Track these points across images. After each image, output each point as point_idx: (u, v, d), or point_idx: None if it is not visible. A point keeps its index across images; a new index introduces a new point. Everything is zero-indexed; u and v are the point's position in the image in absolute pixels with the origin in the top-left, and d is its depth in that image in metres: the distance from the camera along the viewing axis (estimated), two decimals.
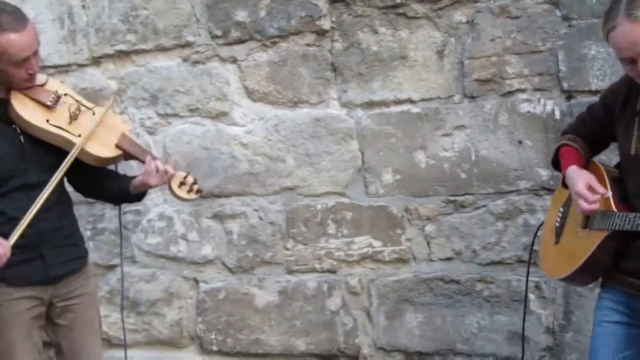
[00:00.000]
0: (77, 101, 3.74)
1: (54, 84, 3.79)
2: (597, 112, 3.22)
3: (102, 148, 3.69)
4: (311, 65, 4.68)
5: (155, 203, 5.05)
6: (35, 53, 3.57)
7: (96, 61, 5.11)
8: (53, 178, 3.54)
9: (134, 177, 3.81)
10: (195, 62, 4.92)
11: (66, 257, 3.77)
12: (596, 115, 3.23)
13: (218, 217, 4.94)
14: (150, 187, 3.73)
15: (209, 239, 4.97)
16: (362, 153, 4.63)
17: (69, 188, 3.96)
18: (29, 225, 3.51)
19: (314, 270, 4.77)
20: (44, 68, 4.99)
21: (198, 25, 4.89)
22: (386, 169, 4.58)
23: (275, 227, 4.82)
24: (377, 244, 4.63)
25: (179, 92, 4.95)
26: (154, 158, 3.68)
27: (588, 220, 3.11)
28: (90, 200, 4.82)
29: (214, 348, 5.01)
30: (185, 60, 4.94)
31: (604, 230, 2.99)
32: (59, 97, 3.69)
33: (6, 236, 3.44)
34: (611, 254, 3.04)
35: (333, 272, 4.73)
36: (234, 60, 4.84)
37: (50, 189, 3.52)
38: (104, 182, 3.88)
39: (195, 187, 3.75)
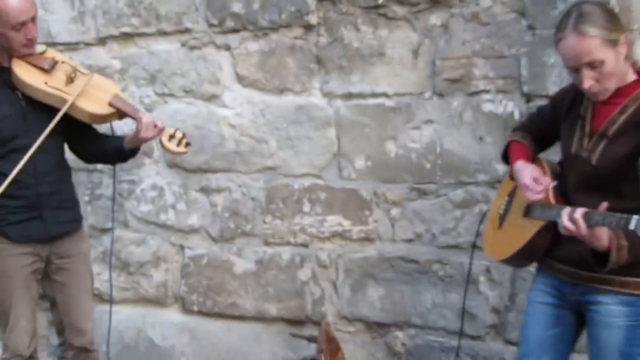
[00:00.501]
0: (73, 67, 3.81)
1: (52, 52, 3.88)
2: (546, 113, 3.31)
3: (96, 105, 3.76)
4: (297, 57, 4.71)
5: (149, 174, 5.10)
6: (33, 20, 3.64)
7: (102, 41, 5.14)
8: (47, 128, 3.62)
9: (126, 135, 3.90)
10: (192, 47, 4.95)
11: (63, 218, 3.87)
12: (545, 116, 3.31)
13: (205, 190, 4.99)
14: (143, 139, 3.77)
15: (195, 210, 5.02)
16: (338, 139, 4.67)
17: (70, 157, 4.03)
18: (29, 187, 3.64)
19: (288, 243, 4.82)
20: (54, 44, 5.03)
21: (197, 14, 4.91)
22: (359, 156, 4.62)
23: (256, 203, 4.87)
24: (346, 223, 4.68)
25: (176, 74, 4.99)
26: (145, 115, 3.75)
27: (528, 209, 3.18)
28: (90, 167, 4.94)
29: (195, 308, 5.07)
30: (183, 45, 4.97)
31: (542, 220, 3.07)
32: (56, 63, 3.78)
33: (7, 196, 3.56)
34: (546, 241, 3.12)
35: (305, 246, 4.78)
36: (228, 48, 4.87)
37: (43, 137, 3.60)
38: (101, 143, 3.97)
39: (184, 141, 3.79)
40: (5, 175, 3.57)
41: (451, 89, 4.41)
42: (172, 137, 3.78)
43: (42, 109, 3.73)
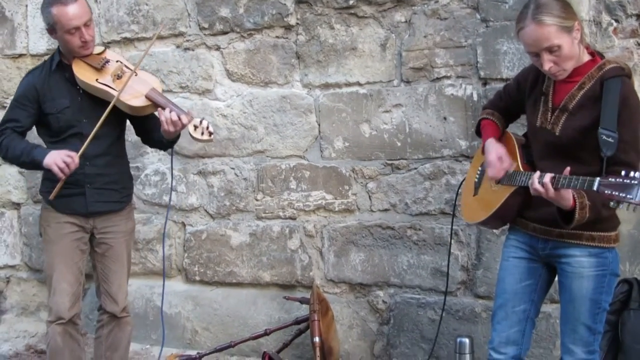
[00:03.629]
0: (123, 64, 3.74)
1: (109, 53, 3.81)
2: (512, 90, 3.21)
3: (134, 99, 3.64)
4: (279, 53, 4.57)
5: (152, 161, 4.92)
6: (86, 24, 3.57)
7: (106, 46, 4.82)
8: (99, 122, 3.56)
9: None
10: (186, 49, 4.79)
11: (106, 198, 3.76)
12: (510, 93, 3.22)
13: (202, 173, 4.81)
14: (169, 133, 3.59)
15: (194, 191, 4.84)
16: (319, 124, 4.52)
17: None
18: (78, 167, 3.54)
19: (278, 217, 4.65)
20: None
21: (189, 19, 4.76)
22: (337, 138, 4.47)
23: (248, 182, 4.69)
24: (329, 197, 4.51)
25: (173, 73, 4.82)
26: (172, 110, 3.55)
27: (501, 177, 3.06)
28: None
29: (197, 278, 4.88)
30: (178, 47, 4.82)
31: (513, 186, 2.99)
32: (107, 62, 3.70)
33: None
34: (518, 204, 3.03)
35: (293, 219, 4.61)
36: (218, 48, 4.71)
37: (97, 128, 3.54)
38: (152, 132, 3.83)
39: (208, 130, 3.60)
40: None
41: (416, 77, 4.29)
42: (196, 127, 3.60)
43: (97, 102, 3.66)
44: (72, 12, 3.50)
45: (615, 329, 3.65)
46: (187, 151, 4.78)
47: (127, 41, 4.93)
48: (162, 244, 4.37)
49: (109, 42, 4.94)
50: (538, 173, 2.71)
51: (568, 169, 2.65)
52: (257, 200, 4.68)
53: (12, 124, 3.67)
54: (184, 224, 4.89)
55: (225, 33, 4.67)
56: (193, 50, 4.76)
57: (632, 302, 3.69)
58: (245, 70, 4.65)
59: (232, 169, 4.72)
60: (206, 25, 4.69)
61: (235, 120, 4.68)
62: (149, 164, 4.90)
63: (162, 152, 4.81)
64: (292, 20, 4.50)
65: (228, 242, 4.76)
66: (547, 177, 2.66)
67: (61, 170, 3.45)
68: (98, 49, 3.75)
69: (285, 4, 4.49)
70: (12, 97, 3.80)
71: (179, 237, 4.91)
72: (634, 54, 3.89)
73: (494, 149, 3.06)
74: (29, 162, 3.59)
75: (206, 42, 4.72)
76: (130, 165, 4.77)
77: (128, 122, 3.87)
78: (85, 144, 3.51)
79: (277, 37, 4.56)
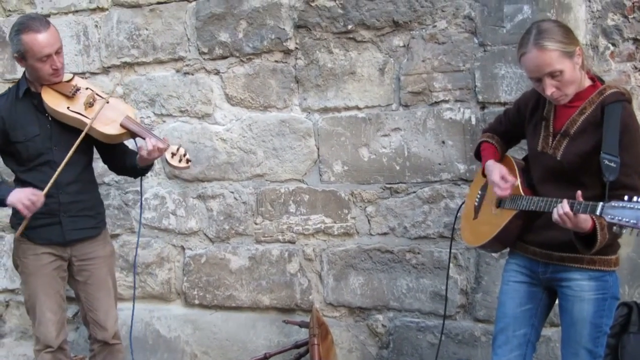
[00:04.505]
0: (94, 92, 3.69)
1: (78, 80, 3.76)
2: (512, 115, 3.22)
3: (109, 127, 3.61)
4: (279, 78, 4.56)
5: (151, 185, 4.88)
6: (57, 52, 3.53)
7: (106, 70, 4.97)
8: (71, 151, 3.51)
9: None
10: (186, 73, 4.78)
11: (82, 225, 3.71)
12: (511, 117, 3.22)
13: (201, 197, 4.78)
14: (147, 159, 3.59)
15: (194, 215, 4.81)
16: (318, 148, 4.51)
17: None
18: (51, 196, 3.52)
19: (277, 240, 4.62)
20: None
21: (189, 44, 4.75)
22: (337, 161, 4.45)
23: (247, 206, 4.67)
24: (328, 220, 4.49)
25: (172, 97, 4.81)
26: (152, 137, 3.56)
27: (501, 201, 3.08)
28: (99, 181, 4.65)
29: (196, 302, 4.84)
30: (177, 71, 4.81)
31: (514, 210, 2.98)
32: (78, 89, 3.65)
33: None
34: (518, 228, 3.03)
35: (293, 242, 4.59)
36: (217, 72, 4.70)
37: (68, 157, 3.49)
38: (122, 159, 3.82)
39: (185, 158, 3.61)
40: (33, 185, 3.52)
41: (415, 100, 4.28)
42: (174, 154, 3.60)
43: (66, 129, 3.62)
44: (44, 40, 3.45)
45: (615, 353, 3.63)
46: (187, 175, 4.77)
47: (127, 65, 4.91)
48: (134, 271, 4.34)
49: (109, 67, 4.94)
50: (563, 201, 2.66)
51: (579, 192, 2.65)
52: (256, 224, 4.66)
53: None
54: (183, 248, 4.86)
55: (224, 57, 4.66)
56: (192, 74, 4.75)
57: (631, 326, 3.68)
58: (245, 94, 4.64)
59: (232, 192, 4.70)
60: (206, 50, 4.69)
61: (234, 144, 4.67)
62: (149, 187, 4.87)
63: (161, 176, 4.84)
64: (291, 45, 4.50)
65: (227, 265, 4.73)
66: (566, 206, 2.63)
67: (27, 207, 3.38)
68: (67, 76, 3.70)
69: (284, 29, 4.49)
70: None
71: (178, 260, 4.88)
72: (631, 77, 3.90)
73: (496, 169, 3.06)
74: None
75: (206, 67, 4.72)
76: (129, 189, 4.90)
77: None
78: (54, 177, 3.45)
79: (276, 61, 4.56)
